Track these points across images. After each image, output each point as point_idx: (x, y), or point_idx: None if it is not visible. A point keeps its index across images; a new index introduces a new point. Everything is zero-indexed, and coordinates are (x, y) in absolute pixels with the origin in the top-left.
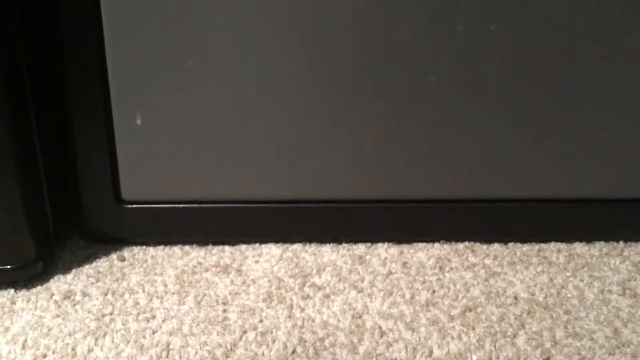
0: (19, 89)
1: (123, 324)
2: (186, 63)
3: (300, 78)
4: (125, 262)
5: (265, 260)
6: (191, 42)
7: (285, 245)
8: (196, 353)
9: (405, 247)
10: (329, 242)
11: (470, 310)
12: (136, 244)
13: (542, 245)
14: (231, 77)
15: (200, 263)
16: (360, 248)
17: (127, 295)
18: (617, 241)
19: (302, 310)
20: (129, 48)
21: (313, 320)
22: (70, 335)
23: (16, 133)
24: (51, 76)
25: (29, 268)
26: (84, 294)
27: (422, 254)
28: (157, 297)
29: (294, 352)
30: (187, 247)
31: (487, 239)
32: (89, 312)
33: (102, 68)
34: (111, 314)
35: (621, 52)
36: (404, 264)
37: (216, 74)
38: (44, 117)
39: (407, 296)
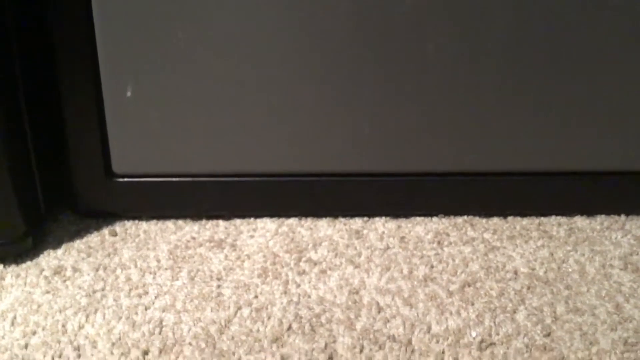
0: (6, 61)
1: (115, 300)
2: (177, 34)
3: (296, 51)
4: (117, 237)
5: (260, 235)
6: (182, 13)
7: (281, 220)
8: (190, 329)
9: (402, 222)
10: (325, 217)
11: (469, 286)
12: (128, 218)
13: (542, 219)
14: (223, 49)
15: (193, 238)
16: (357, 222)
17: (119, 271)
18: (619, 215)
19: (298, 286)
20: (118, 18)
21: (309, 296)
22: (60, 311)
23: (3, 106)
24: (39, 48)
25: (19, 243)
26: (75, 270)
27: (420, 228)
28: (150, 273)
29: (289, 328)
30: (180, 222)
31: (486, 213)
32: (79, 288)
33: (90, 39)
34: (102, 289)
35: (624, 22)
36: (402, 238)
37: (208, 45)
38: (32, 89)
39: (405, 271)
